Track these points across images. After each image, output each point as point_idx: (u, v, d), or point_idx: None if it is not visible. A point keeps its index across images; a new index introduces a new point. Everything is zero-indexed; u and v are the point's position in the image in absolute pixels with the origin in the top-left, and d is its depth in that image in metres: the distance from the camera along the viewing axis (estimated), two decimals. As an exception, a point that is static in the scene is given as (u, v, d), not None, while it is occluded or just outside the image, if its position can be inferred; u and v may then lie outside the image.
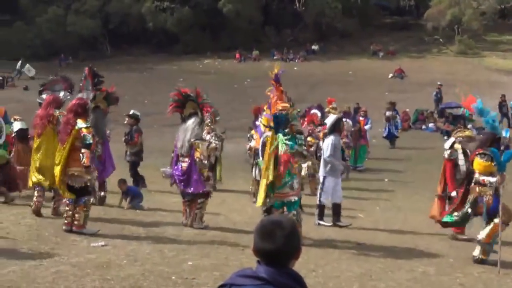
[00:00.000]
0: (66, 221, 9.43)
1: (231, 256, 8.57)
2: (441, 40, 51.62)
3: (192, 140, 10.41)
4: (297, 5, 54.24)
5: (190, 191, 10.51)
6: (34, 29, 51.07)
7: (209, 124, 16.17)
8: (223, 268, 7.82)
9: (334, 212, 11.93)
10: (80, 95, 11.61)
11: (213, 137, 15.89)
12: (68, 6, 51.67)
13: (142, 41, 53.23)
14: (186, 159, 10.48)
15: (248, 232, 10.40)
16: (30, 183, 10.80)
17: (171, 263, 7.94)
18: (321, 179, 12.11)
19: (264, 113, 10.46)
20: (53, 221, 10.49)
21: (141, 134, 15.28)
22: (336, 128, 12.23)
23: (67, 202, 9.45)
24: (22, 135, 13.18)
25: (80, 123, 9.28)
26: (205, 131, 16.48)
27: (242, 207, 13.51)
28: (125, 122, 15.54)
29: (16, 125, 13.30)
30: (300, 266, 3.27)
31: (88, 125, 9.38)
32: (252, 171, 13.96)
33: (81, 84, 12.16)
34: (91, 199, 9.94)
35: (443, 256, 9.70)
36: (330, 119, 12.59)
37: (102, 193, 12.45)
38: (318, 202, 11.89)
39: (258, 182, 13.66)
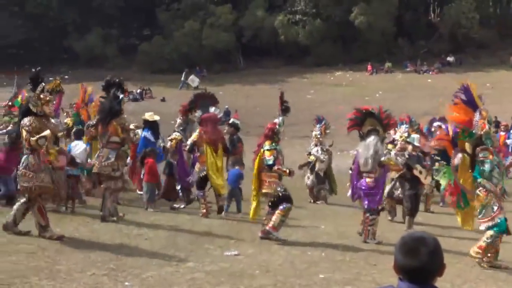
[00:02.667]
0: (262, 229, 10.12)
1: (363, 271, 8.43)
2: None
3: (380, 159, 10.59)
4: (432, 15, 52.88)
5: (377, 205, 10.77)
6: (172, 43, 53.06)
7: (318, 136, 16.27)
8: (354, 283, 7.71)
9: None
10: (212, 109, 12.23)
11: (319, 151, 15.98)
12: (203, 20, 53.25)
13: (274, 54, 53.91)
14: (371, 175, 10.66)
15: (379, 248, 10.23)
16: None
17: (303, 275, 7.93)
18: None
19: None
20: (188, 229, 10.84)
21: (242, 143, 15.42)
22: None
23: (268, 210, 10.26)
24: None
25: (266, 145, 10.15)
26: (312, 143, 16.64)
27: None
28: (225, 131, 15.42)
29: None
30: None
31: (271, 148, 10.11)
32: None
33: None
34: (291, 206, 10.31)
35: None
36: None
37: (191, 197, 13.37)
38: None
39: (391, 199, 13.48)
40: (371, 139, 10.62)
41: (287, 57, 53.62)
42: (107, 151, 10.89)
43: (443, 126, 17.12)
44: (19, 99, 15.75)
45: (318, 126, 16.66)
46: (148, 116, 14.71)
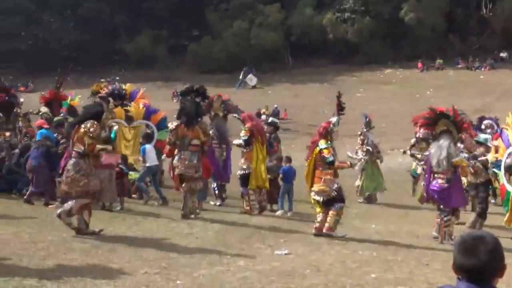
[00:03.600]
0: (316, 226, 10.30)
1: (416, 271, 8.31)
2: None
3: (452, 160, 10.52)
4: (484, 11, 51.87)
5: (451, 206, 10.74)
6: (220, 43, 53.34)
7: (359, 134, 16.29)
8: (407, 283, 7.61)
9: None
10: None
11: (358, 152, 15.91)
12: (252, 20, 53.37)
13: (322, 52, 53.66)
14: (442, 176, 10.62)
15: (433, 247, 10.09)
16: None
17: (354, 275, 7.86)
18: None
19: None
20: (238, 228, 10.88)
21: (279, 142, 15.47)
22: None
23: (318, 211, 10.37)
24: None
25: (322, 144, 10.16)
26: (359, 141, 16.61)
27: (425, 220, 13.09)
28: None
29: None
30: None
31: (328, 146, 10.17)
32: None
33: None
34: (343, 206, 10.47)
35: None
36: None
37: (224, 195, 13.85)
38: None
39: None
40: (444, 140, 10.57)
41: (335, 56, 53.32)
42: (189, 153, 11.37)
43: (495, 126, 16.75)
44: (67, 100, 16.06)
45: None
46: None
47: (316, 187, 10.27)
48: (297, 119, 38.16)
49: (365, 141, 16.08)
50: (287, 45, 53.90)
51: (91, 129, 9.04)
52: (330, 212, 10.14)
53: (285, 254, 8.89)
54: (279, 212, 13.12)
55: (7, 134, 13.64)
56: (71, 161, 9.17)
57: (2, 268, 6.98)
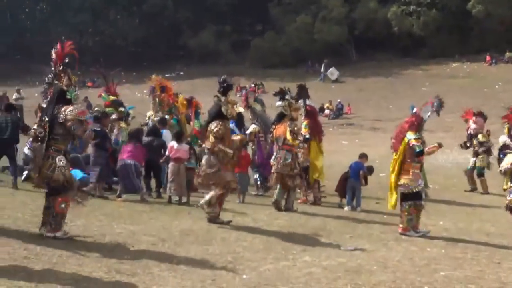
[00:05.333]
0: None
1: (487, 269, 8.08)
2: None
3: None
4: (556, 1, 50.09)
5: None
6: (284, 38, 53.23)
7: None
8: (479, 282, 7.40)
9: None
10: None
11: None
12: (315, 14, 53.00)
13: (387, 46, 52.85)
14: None
15: (504, 245, 9.80)
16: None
17: (423, 272, 7.69)
18: None
19: None
20: (304, 223, 10.83)
21: None
22: None
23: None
24: None
25: (410, 135, 10.11)
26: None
27: (494, 218, 12.73)
28: None
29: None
30: None
31: (417, 137, 10.14)
32: None
33: None
34: (421, 203, 10.37)
35: None
36: None
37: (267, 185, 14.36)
38: None
39: None
40: None
41: (401, 49, 52.43)
42: (284, 152, 12.19)
43: None
44: (104, 94, 16.27)
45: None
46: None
47: (403, 180, 10.17)
48: (361, 114, 37.76)
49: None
50: (351, 39, 53.33)
51: (214, 129, 9.85)
52: (401, 212, 10.23)
53: (351, 250, 8.79)
54: (346, 208, 13.09)
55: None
56: (204, 157, 10.13)
57: (72, 260, 7.12)
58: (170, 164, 12.53)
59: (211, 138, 9.91)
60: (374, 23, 52.13)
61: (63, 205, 8.05)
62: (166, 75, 32.03)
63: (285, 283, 6.91)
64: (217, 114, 10.00)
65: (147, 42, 56.68)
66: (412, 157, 10.13)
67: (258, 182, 14.89)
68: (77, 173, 11.75)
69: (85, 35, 57.40)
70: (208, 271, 7.18)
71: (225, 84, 10.14)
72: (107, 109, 14.65)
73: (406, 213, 10.16)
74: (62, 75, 8.15)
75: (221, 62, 53.62)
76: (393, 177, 10.28)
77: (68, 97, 8.11)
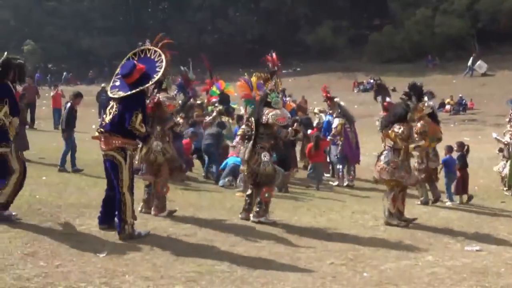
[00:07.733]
0: None
1: None
2: None
3: None
4: None
5: None
6: (403, 32, 52.16)
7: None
8: None
9: None
10: None
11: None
12: (436, 7, 51.54)
13: (513, 38, 50.58)
14: None
15: None
16: None
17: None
18: None
19: None
20: (425, 222, 10.54)
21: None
22: None
23: None
24: None
25: None
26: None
27: None
28: None
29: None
30: None
31: None
32: None
33: None
34: None
35: None
36: None
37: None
38: None
39: None
40: None
41: (528, 42, 50.02)
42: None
43: None
44: (214, 88, 16.55)
45: None
46: None
47: None
48: (484, 110, 36.39)
49: None
50: (474, 31, 51.43)
51: (399, 132, 9.85)
52: None
53: (476, 250, 8.47)
54: (448, 204, 12.78)
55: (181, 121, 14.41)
56: (385, 153, 10.11)
57: (195, 253, 7.29)
58: None
59: (399, 142, 9.92)
60: (499, 14, 49.98)
61: (267, 195, 9.40)
62: (283, 71, 32.14)
63: (407, 282, 6.76)
64: (401, 118, 9.99)
65: (264, 39, 57.24)
66: None
67: (340, 173, 15.24)
68: None
69: (204, 33, 58.79)
70: (328, 267, 7.15)
71: (422, 90, 10.32)
72: (209, 107, 15.55)
73: None
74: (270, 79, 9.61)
75: (338, 57, 53.34)
76: None
77: (269, 100, 9.43)
